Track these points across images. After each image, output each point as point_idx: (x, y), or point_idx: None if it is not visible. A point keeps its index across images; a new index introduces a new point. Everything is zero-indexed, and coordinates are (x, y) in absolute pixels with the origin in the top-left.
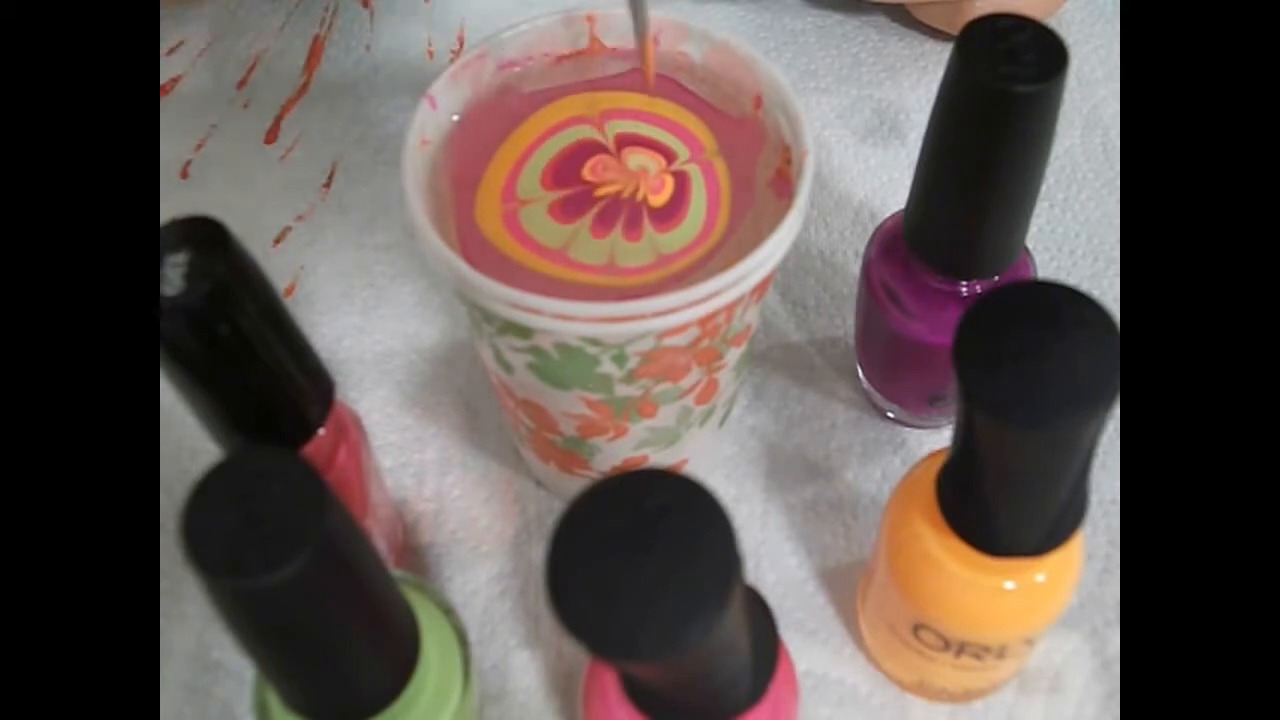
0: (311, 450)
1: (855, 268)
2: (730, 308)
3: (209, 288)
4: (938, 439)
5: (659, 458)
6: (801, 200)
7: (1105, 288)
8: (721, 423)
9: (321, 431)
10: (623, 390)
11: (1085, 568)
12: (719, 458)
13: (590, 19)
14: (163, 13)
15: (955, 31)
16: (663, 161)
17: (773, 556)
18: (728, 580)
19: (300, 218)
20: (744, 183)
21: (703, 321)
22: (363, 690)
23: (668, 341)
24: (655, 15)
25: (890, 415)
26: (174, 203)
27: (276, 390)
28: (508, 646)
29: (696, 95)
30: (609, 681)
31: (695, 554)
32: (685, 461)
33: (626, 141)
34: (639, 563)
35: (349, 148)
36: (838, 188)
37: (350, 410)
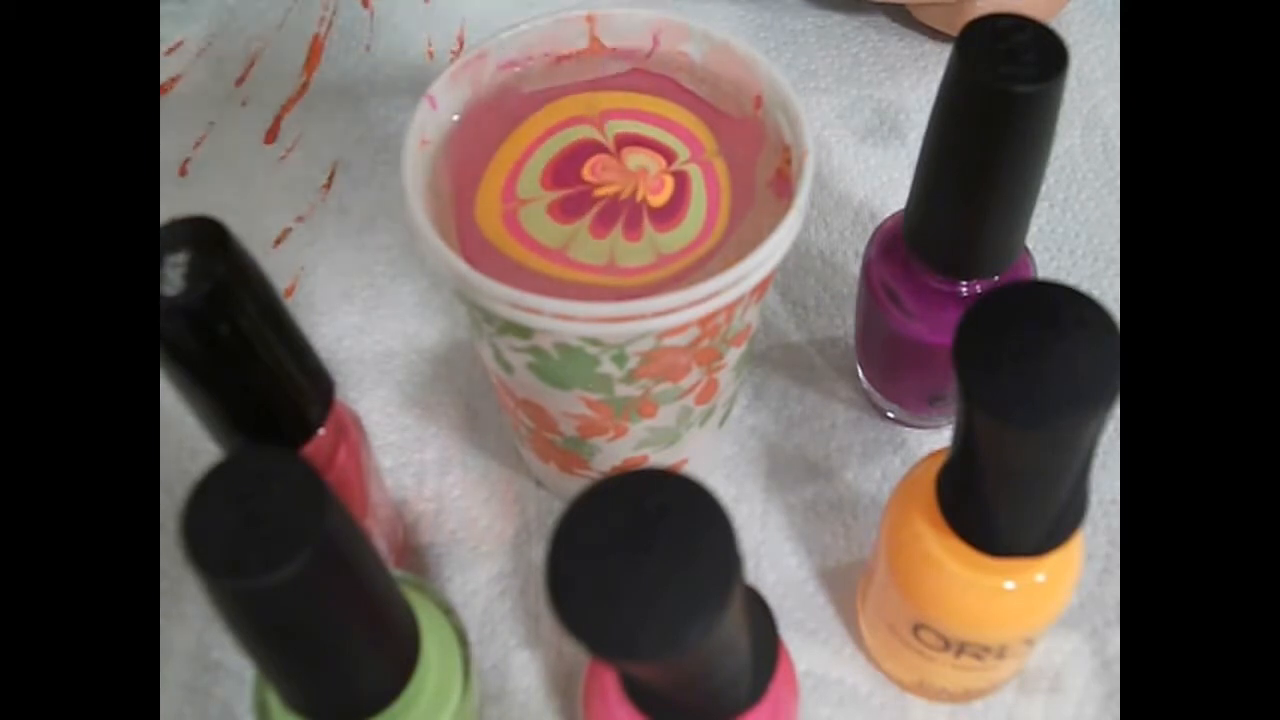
0: (311, 450)
1: (855, 268)
2: (730, 308)
3: (209, 288)
4: (938, 439)
5: (659, 458)
6: (801, 200)
7: (1105, 288)
8: (721, 423)
9: (321, 431)
10: (623, 390)
11: (1085, 568)
12: (719, 458)
13: (590, 19)
14: (162, 12)
15: (955, 33)
16: (663, 161)
17: (773, 556)
18: (728, 580)
19: (300, 218)
20: (744, 183)
21: (703, 321)
22: (363, 690)
23: (668, 341)
24: (655, 15)
25: (890, 415)
26: (173, 201)
27: (276, 390)
28: (508, 646)
29: (696, 95)
30: (609, 681)
31: (695, 554)
32: (685, 461)
33: (626, 141)
34: (639, 563)
35: (349, 148)
36: (838, 188)
37: (350, 410)
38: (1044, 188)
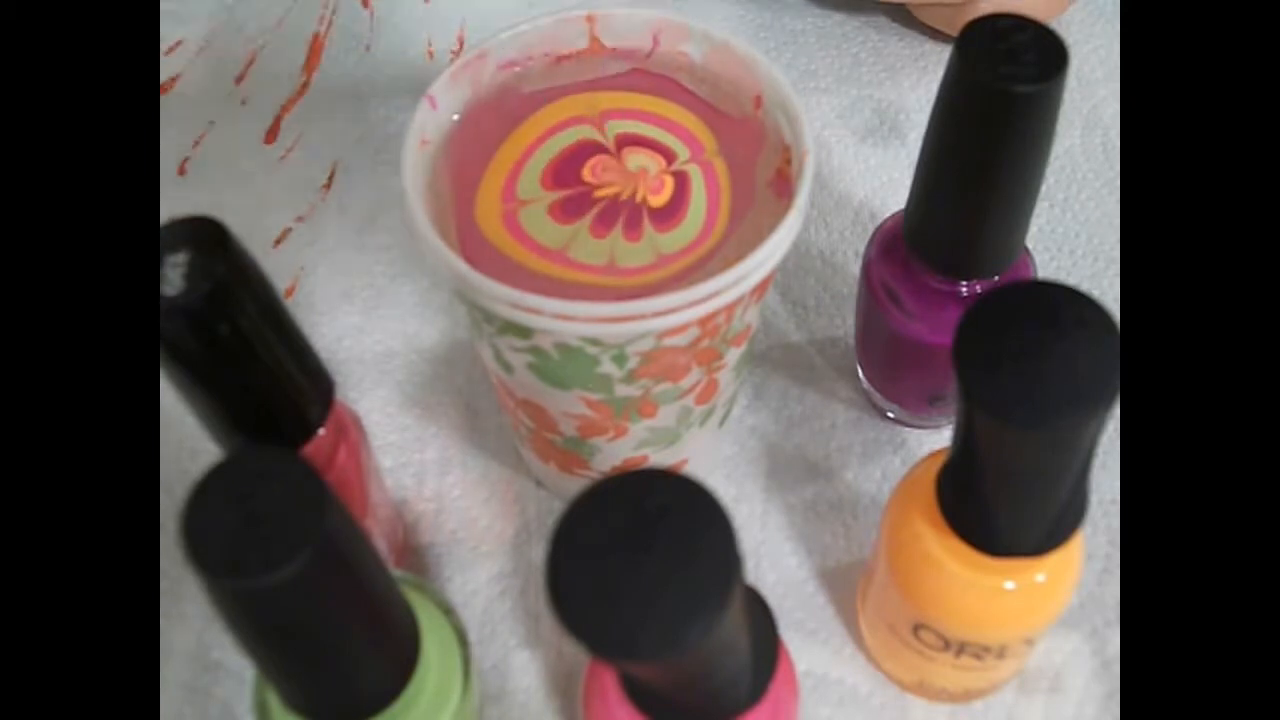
0: (311, 450)
1: (855, 268)
2: (730, 308)
3: (209, 288)
4: (938, 439)
5: (659, 458)
6: (801, 200)
7: (1105, 288)
8: (721, 423)
9: (321, 431)
10: (623, 390)
11: (1085, 568)
12: (719, 458)
13: (590, 19)
14: (162, 11)
15: (956, 33)
16: (663, 162)
17: (773, 556)
18: (728, 580)
19: (300, 218)
20: (744, 183)
21: (703, 321)
22: (363, 690)
23: (668, 341)
24: (655, 15)
25: (890, 415)
26: (173, 201)
27: (276, 390)
28: (508, 646)
29: (696, 95)
30: (609, 681)
31: (695, 554)
32: (685, 461)
33: (626, 142)
34: (639, 563)
35: (349, 148)
36: (838, 188)
37: (350, 410)
38: (1044, 188)
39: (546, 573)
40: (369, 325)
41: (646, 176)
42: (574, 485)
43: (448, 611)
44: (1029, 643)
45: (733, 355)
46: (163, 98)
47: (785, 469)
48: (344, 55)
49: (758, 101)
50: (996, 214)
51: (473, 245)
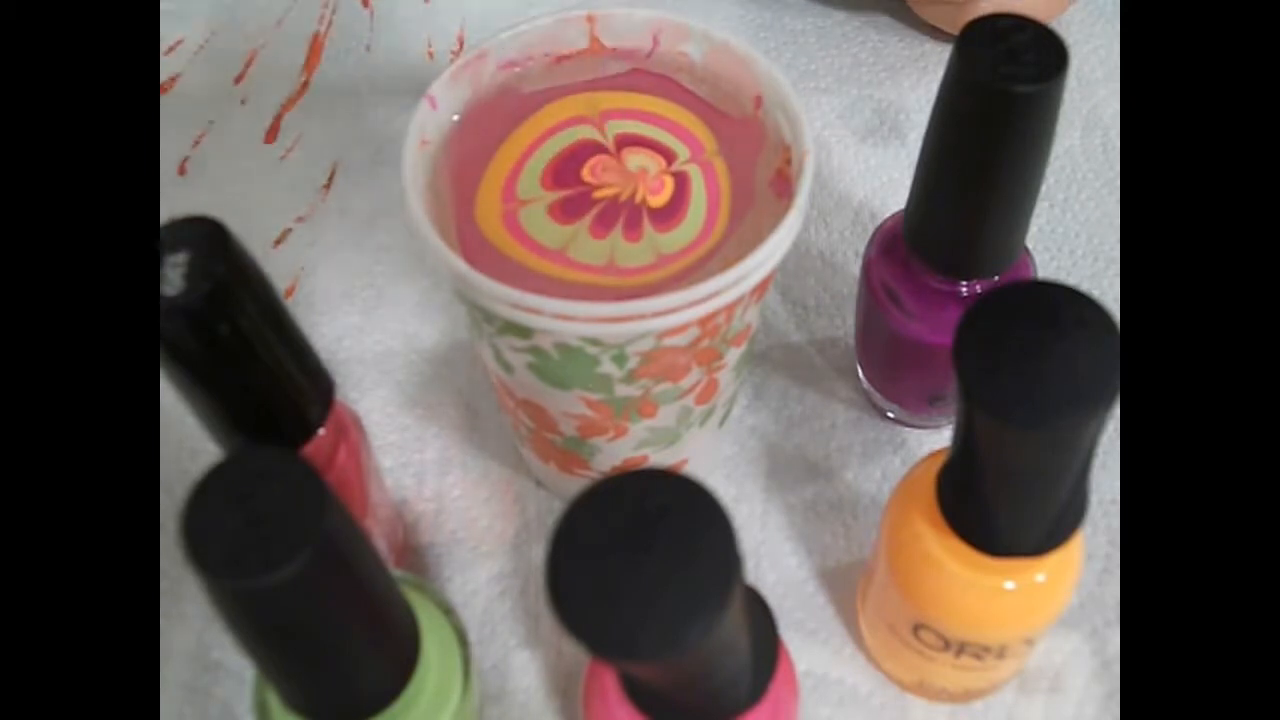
0: (311, 450)
1: (855, 268)
2: (730, 308)
3: (209, 288)
4: (938, 439)
5: (659, 458)
6: (801, 200)
7: (1105, 288)
8: (721, 423)
9: (321, 431)
10: (623, 390)
11: (1085, 568)
12: (719, 458)
13: (590, 19)
14: (161, 11)
15: (957, 32)
16: (663, 162)
17: (773, 556)
18: (728, 580)
19: (300, 219)
20: (744, 183)
21: (703, 321)
22: (363, 690)
23: (668, 341)
24: (655, 15)
25: (890, 415)
26: (172, 201)
27: (276, 390)
28: (508, 646)
29: (696, 95)
30: (609, 681)
31: (695, 554)
32: (685, 461)
33: (626, 142)
34: (639, 563)
35: (349, 148)
36: (838, 188)
37: (350, 410)
38: (1044, 188)
39: (546, 573)
40: (369, 325)
41: (646, 177)
42: (574, 485)
43: (448, 611)
44: (1029, 643)
45: (733, 355)
46: (163, 98)
47: (785, 469)
48: (344, 55)
49: (758, 101)
50: (996, 214)
51: (473, 245)
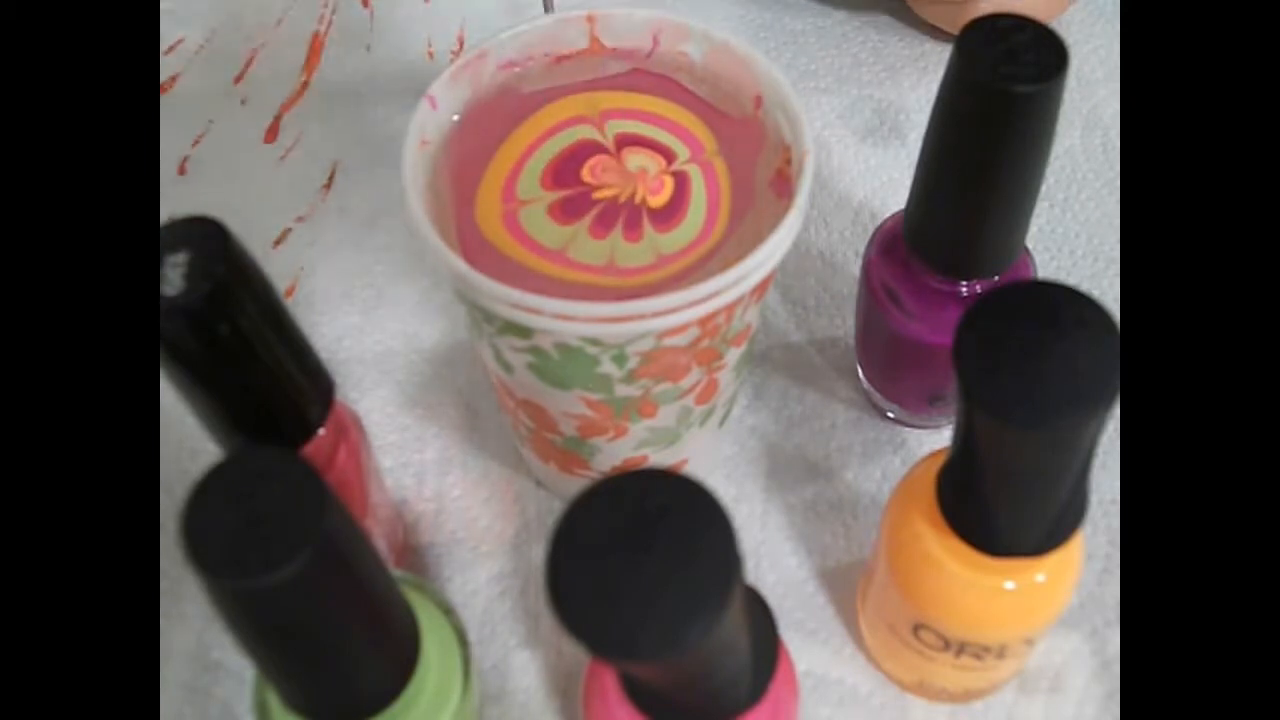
0: (311, 450)
1: (855, 268)
2: (730, 308)
3: (209, 288)
4: (938, 439)
5: (659, 458)
6: (801, 200)
7: (1105, 288)
8: (721, 423)
9: (321, 431)
10: (623, 390)
11: (1085, 568)
12: (719, 458)
13: (590, 19)
14: (161, 11)
15: (957, 31)
16: (662, 162)
17: (773, 556)
18: (728, 580)
19: (300, 218)
20: (744, 183)
21: (703, 321)
22: (363, 690)
23: (668, 341)
24: (655, 15)
25: (890, 415)
26: (172, 201)
27: (276, 390)
28: (508, 646)
29: (696, 95)
30: (609, 681)
31: (695, 554)
32: (685, 461)
33: (626, 142)
34: (639, 563)
35: (349, 148)
36: (838, 188)
37: (350, 410)
38: (1044, 188)
39: (546, 573)
40: (369, 325)
41: (646, 177)
42: (574, 485)
43: (448, 611)
44: (1029, 643)
45: (733, 355)
46: (163, 97)
47: (785, 469)
48: (344, 55)
49: (758, 101)
50: (996, 214)
51: (473, 245)
